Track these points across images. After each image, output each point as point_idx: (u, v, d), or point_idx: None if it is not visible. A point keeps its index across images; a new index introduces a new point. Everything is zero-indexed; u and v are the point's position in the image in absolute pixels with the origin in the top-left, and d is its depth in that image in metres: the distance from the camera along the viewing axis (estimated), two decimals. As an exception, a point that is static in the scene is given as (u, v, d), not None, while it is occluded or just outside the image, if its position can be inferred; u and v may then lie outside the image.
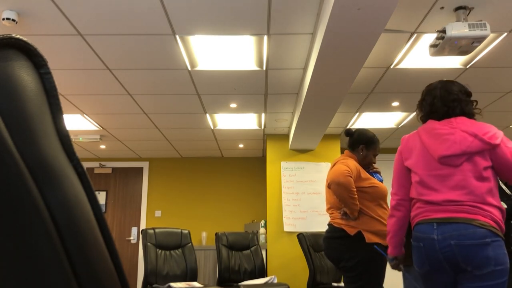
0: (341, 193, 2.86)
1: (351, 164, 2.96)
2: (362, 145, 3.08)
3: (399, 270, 2.48)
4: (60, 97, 1.57)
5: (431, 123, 2.21)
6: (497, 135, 2.06)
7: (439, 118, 2.20)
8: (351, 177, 2.87)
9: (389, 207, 2.34)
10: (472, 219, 1.96)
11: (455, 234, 1.96)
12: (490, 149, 2.04)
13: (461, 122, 2.13)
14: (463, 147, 2.04)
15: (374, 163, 3.16)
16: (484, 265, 1.92)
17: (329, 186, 2.97)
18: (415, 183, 2.17)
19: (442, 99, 2.20)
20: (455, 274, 2.03)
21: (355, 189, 2.87)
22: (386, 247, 2.85)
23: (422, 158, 2.16)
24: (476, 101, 2.25)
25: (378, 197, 2.93)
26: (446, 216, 2.01)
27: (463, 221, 1.97)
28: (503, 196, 4.12)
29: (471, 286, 1.96)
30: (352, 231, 2.89)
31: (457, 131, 2.09)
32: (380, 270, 2.86)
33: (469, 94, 2.24)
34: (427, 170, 2.13)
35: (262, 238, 6.24)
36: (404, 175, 2.25)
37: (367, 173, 3.03)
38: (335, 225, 2.98)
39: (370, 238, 2.84)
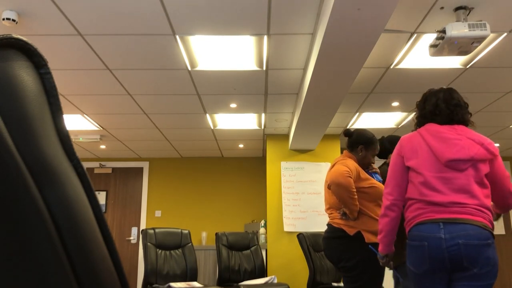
0: (341, 194, 2.86)
1: (351, 164, 2.96)
2: (361, 145, 3.08)
3: (390, 267, 2.55)
4: (60, 97, 1.57)
5: (435, 127, 2.26)
6: (496, 147, 2.19)
7: (441, 122, 2.27)
8: (351, 177, 2.87)
9: (383, 205, 2.35)
10: (476, 220, 2.06)
11: (462, 234, 2.03)
12: (492, 159, 2.16)
13: (465, 130, 2.22)
14: (471, 153, 2.13)
15: (373, 163, 3.16)
16: (485, 264, 2.01)
17: (329, 187, 2.97)
18: (419, 184, 2.20)
19: (445, 102, 2.28)
20: (451, 274, 2.10)
21: (355, 190, 2.87)
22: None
23: (428, 160, 2.20)
24: (471, 114, 2.35)
25: (377, 197, 2.93)
26: (452, 217, 2.08)
27: (469, 222, 2.05)
28: None
29: (469, 285, 2.04)
30: (351, 231, 2.89)
31: (464, 138, 2.17)
32: (380, 270, 2.86)
33: (466, 104, 2.33)
34: (432, 172, 2.17)
35: (262, 238, 6.24)
36: (402, 175, 2.28)
37: (366, 174, 3.03)
38: (334, 225, 2.98)
39: (369, 238, 2.84)
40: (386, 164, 3.37)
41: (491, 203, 2.26)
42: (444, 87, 2.39)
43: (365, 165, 3.10)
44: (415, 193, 2.21)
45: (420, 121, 2.36)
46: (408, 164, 2.26)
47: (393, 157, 2.36)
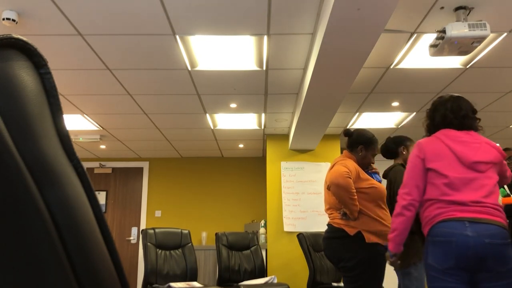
0: (340, 195, 2.85)
1: (350, 165, 2.96)
2: (361, 145, 3.07)
3: (397, 266, 2.60)
4: (60, 97, 1.57)
5: (452, 132, 2.39)
6: None
7: (455, 129, 2.40)
8: (350, 178, 2.86)
9: (399, 205, 2.39)
10: (496, 220, 2.17)
11: (487, 234, 2.12)
12: (501, 161, 2.33)
13: (478, 135, 2.38)
14: (491, 156, 2.30)
15: (373, 163, 3.16)
16: (506, 263, 2.12)
17: (328, 187, 2.97)
18: (442, 185, 2.29)
19: (453, 113, 2.40)
20: (472, 273, 2.16)
21: (354, 190, 2.86)
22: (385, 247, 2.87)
23: (451, 162, 2.32)
24: (479, 119, 2.45)
25: (377, 197, 2.92)
26: (475, 216, 2.17)
27: (490, 222, 2.15)
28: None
29: (496, 285, 2.11)
30: (351, 231, 2.89)
31: (482, 143, 2.34)
32: (380, 270, 2.86)
33: (474, 111, 2.44)
34: (456, 173, 2.28)
35: (262, 238, 6.24)
36: (422, 176, 2.36)
37: (366, 174, 3.02)
38: (334, 225, 2.97)
39: (370, 238, 2.84)
40: (401, 165, 3.39)
41: None
42: (454, 94, 2.48)
43: (365, 165, 3.09)
44: (436, 194, 2.29)
45: (431, 129, 2.48)
46: (430, 166, 2.34)
47: (412, 159, 2.42)
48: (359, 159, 3.07)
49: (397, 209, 2.39)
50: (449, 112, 2.41)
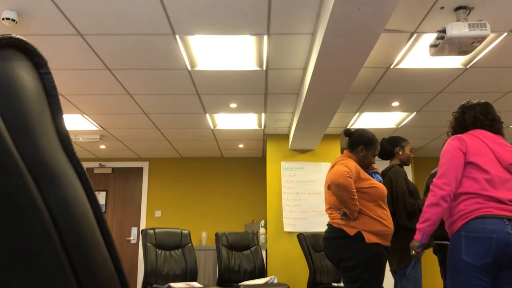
0: (341, 194, 2.85)
1: (351, 164, 2.96)
2: (362, 145, 3.07)
3: (419, 257, 2.63)
4: (60, 97, 1.56)
5: (486, 133, 2.45)
6: None
7: (487, 130, 2.47)
8: (351, 178, 2.86)
9: (437, 195, 2.37)
10: None
11: None
12: None
13: (505, 141, 2.47)
14: None
15: (373, 163, 3.16)
16: None
17: (329, 187, 2.96)
18: (483, 180, 2.32)
19: (483, 115, 2.49)
20: (499, 269, 2.20)
21: (355, 190, 2.86)
22: (385, 248, 2.87)
23: (491, 160, 2.37)
24: (503, 127, 2.56)
25: (377, 197, 2.92)
26: None
27: None
28: None
29: None
30: (352, 231, 2.88)
31: None
32: (380, 270, 2.86)
33: (499, 117, 2.54)
34: (495, 171, 2.33)
35: (262, 238, 6.24)
36: (461, 169, 2.39)
37: (366, 174, 3.02)
38: (334, 225, 2.97)
39: (370, 238, 2.83)
40: (398, 165, 3.41)
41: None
42: (481, 100, 2.57)
43: (365, 165, 3.09)
44: (476, 188, 2.31)
45: (457, 131, 2.53)
46: (472, 159, 2.37)
47: (452, 150, 2.43)
48: (360, 159, 3.07)
49: (433, 199, 2.37)
50: (479, 113, 2.49)
